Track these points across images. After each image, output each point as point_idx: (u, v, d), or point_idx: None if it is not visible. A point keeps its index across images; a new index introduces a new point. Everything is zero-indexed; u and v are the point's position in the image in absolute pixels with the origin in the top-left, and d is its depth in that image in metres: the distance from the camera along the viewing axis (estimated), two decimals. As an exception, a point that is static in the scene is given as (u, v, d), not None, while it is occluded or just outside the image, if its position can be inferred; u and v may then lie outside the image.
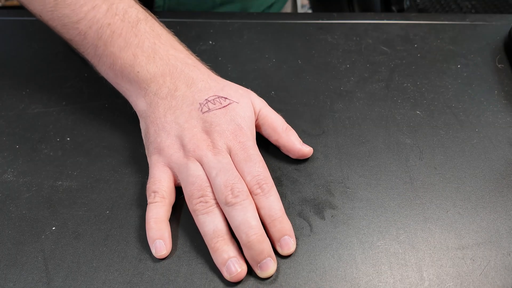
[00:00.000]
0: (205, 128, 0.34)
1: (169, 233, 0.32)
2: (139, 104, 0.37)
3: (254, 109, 0.37)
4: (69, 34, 0.38)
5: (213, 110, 0.35)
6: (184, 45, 0.40)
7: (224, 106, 0.35)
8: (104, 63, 0.37)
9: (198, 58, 0.39)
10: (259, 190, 0.32)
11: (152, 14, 0.40)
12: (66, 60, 0.48)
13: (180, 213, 0.34)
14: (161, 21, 0.40)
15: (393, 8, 0.70)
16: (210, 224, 0.31)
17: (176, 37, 0.40)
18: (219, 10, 0.62)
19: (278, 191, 0.34)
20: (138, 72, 0.36)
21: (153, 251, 0.31)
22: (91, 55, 0.38)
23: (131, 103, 0.39)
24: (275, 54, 0.49)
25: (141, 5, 0.39)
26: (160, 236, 0.31)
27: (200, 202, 0.32)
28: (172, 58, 0.37)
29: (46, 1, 0.37)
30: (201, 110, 0.35)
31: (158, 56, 0.37)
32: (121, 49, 0.36)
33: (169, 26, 0.41)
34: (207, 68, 0.39)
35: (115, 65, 0.37)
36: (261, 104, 0.38)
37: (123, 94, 0.39)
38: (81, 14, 0.37)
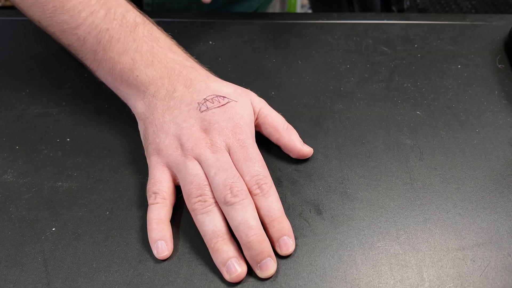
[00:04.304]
0: (203, 127, 0.34)
1: (171, 234, 0.32)
2: (137, 106, 0.37)
3: (253, 109, 0.37)
4: (67, 40, 0.38)
5: (211, 108, 0.35)
6: (182, 47, 0.40)
7: (223, 105, 0.35)
8: (103, 68, 0.38)
9: (196, 60, 0.39)
10: (258, 191, 0.32)
11: (150, 18, 0.40)
12: (66, 60, 0.48)
13: (180, 214, 0.34)
14: (161, 22, 0.40)
15: (393, 8, 0.70)
16: (209, 224, 0.31)
17: (174, 40, 0.40)
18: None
19: (278, 192, 0.34)
20: (137, 76, 0.36)
21: (155, 252, 0.31)
22: (90, 60, 0.38)
23: (129, 107, 0.39)
24: (275, 54, 0.49)
25: (138, 9, 0.40)
26: (161, 237, 0.31)
27: (199, 201, 0.32)
28: (170, 61, 0.37)
29: (45, 7, 0.38)
30: (200, 109, 0.35)
31: (157, 60, 0.37)
32: (120, 54, 0.37)
33: (168, 26, 0.41)
34: (206, 69, 0.39)
35: (114, 70, 0.37)
36: (261, 104, 0.38)
37: (122, 98, 0.39)
38: (80, 20, 0.37)
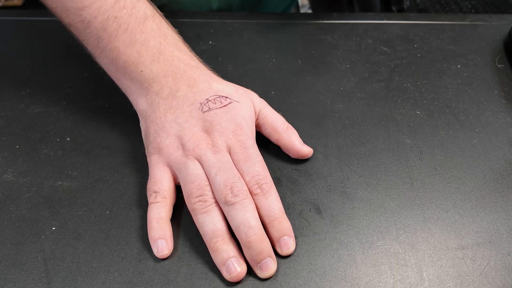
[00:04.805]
0: (205, 127, 0.34)
1: (171, 233, 0.32)
2: (140, 103, 0.37)
3: (254, 109, 0.37)
4: (69, 19, 0.37)
5: (213, 109, 0.35)
6: (188, 45, 0.39)
7: (225, 105, 0.35)
8: (106, 56, 0.37)
9: (201, 59, 0.39)
10: (258, 190, 0.32)
11: (159, 11, 0.39)
12: (66, 60, 0.48)
13: (181, 213, 0.34)
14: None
15: (393, 8, 0.70)
16: (209, 224, 0.31)
17: (181, 37, 0.39)
18: None
19: (278, 191, 0.34)
20: (141, 71, 0.36)
21: (155, 251, 0.31)
22: (92, 45, 0.37)
23: (131, 101, 0.38)
24: (275, 54, 0.49)
25: (149, 0, 0.39)
26: (162, 235, 0.31)
27: (199, 201, 0.32)
28: (176, 59, 0.37)
29: None
30: (202, 109, 0.35)
31: (163, 57, 0.36)
32: (126, 45, 0.36)
33: (169, 26, 0.41)
34: (210, 69, 0.39)
35: (118, 60, 0.36)
36: (261, 104, 0.38)
37: (123, 90, 0.39)
38: (87, 2, 0.35)
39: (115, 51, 0.36)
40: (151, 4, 0.39)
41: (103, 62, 0.38)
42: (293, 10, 0.77)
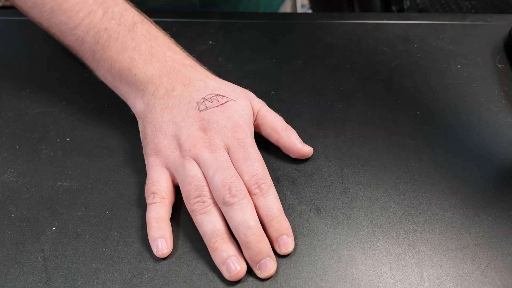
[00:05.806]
0: (202, 126, 0.34)
1: (171, 232, 0.32)
2: (137, 105, 0.37)
3: (252, 109, 0.37)
4: (67, 40, 0.39)
5: (210, 108, 0.35)
6: (180, 46, 0.40)
7: (222, 104, 0.35)
8: (102, 67, 0.38)
9: (195, 59, 0.39)
10: (257, 190, 0.32)
11: (148, 17, 0.40)
12: (66, 60, 0.48)
13: (180, 214, 0.34)
14: (161, 22, 0.40)
15: (393, 8, 0.70)
16: (209, 224, 0.31)
17: (172, 39, 0.40)
18: None
19: (278, 191, 0.34)
20: (135, 74, 0.36)
21: (154, 250, 0.31)
22: (89, 60, 0.39)
23: (129, 106, 0.39)
24: (275, 54, 0.49)
25: (136, 8, 0.40)
26: (161, 235, 0.31)
27: (198, 202, 0.32)
28: (169, 60, 0.37)
29: (43, 9, 0.38)
30: (198, 108, 0.35)
31: (156, 58, 0.37)
32: (118, 53, 0.37)
33: (168, 26, 0.41)
34: (205, 68, 0.39)
35: (113, 69, 0.37)
36: (259, 104, 0.38)
37: (122, 97, 0.39)
38: (78, 20, 0.37)
39: (109, 60, 0.37)
40: (138, 11, 0.40)
41: (101, 73, 0.39)
42: (288, 8, 0.77)
